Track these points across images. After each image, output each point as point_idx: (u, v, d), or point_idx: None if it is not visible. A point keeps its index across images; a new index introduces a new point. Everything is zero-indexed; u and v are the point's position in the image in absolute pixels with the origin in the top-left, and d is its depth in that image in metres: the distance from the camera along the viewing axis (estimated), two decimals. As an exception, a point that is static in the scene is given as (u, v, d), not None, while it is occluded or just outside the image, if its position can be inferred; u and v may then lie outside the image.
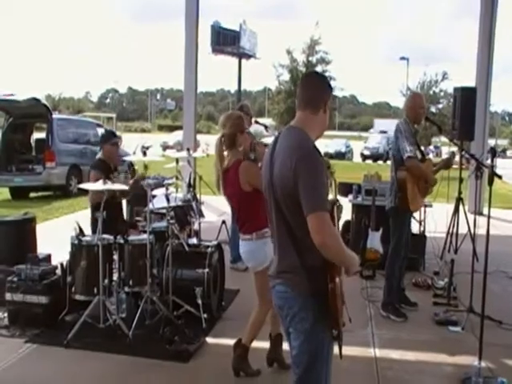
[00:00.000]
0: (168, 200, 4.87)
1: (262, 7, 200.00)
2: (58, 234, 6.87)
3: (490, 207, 3.73)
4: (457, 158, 5.75)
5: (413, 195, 4.67)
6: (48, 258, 5.03)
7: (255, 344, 3.79)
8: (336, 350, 2.36)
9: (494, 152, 3.60)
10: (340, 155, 32.64)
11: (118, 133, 19.45)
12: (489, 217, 3.73)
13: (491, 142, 17.94)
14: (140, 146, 5.44)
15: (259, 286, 3.67)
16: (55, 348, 4.09)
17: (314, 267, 2.24)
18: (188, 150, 5.58)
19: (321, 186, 2.17)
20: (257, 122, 6.44)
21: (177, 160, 5.51)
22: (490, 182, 3.67)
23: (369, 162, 31.43)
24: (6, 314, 4.52)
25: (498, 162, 18.75)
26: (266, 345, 3.90)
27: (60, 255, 5.06)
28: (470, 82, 12.04)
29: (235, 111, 4.10)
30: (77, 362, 3.96)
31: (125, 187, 4.69)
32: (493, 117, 16.88)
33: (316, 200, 2.14)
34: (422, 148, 5.08)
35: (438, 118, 21.38)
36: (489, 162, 5.39)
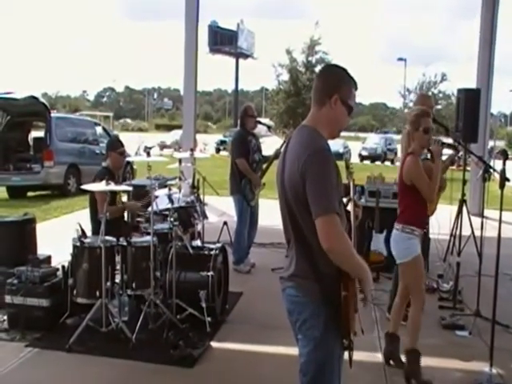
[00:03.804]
0: (171, 201, 4.80)
1: (260, 7, 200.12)
2: (57, 234, 6.80)
3: (501, 210, 3.68)
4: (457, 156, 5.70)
5: None
6: (48, 259, 4.94)
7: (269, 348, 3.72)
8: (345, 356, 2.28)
9: (506, 154, 3.54)
10: (338, 156, 32.55)
11: (115, 132, 19.10)
12: (500, 220, 3.69)
13: (490, 143, 17.93)
14: (143, 146, 5.35)
15: (406, 280, 3.79)
16: (57, 352, 4.00)
17: (327, 274, 2.16)
18: (191, 150, 5.51)
19: (329, 188, 2.08)
20: (259, 123, 6.40)
21: (180, 160, 5.43)
22: (502, 186, 3.62)
23: (367, 162, 31.37)
24: (5, 317, 4.42)
25: (497, 163, 18.69)
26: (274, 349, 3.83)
27: (60, 256, 4.98)
28: (469, 82, 12.03)
29: (417, 108, 3.98)
30: (79, 366, 3.88)
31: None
32: (491, 118, 16.85)
33: (324, 202, 2.06)
34: None
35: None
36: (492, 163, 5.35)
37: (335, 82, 2.28)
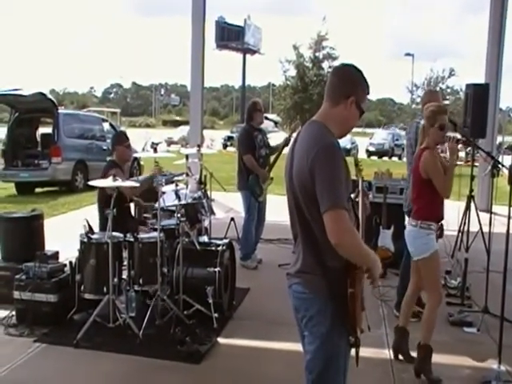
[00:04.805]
0: (178, 196, 4.80)
1: (267, 2, 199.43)
2: (64, 230, 6.83)
3: (510, 206, 3.65)
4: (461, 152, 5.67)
5: None
6: (56, 255, 4.96)
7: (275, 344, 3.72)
8: (352, 353, 2.28)
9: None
10: (345, 152, 32.41)
11: (122, 128, 18.98)
12: (509, 216, 3.67)
13: (498, 138, 17.82)
14: (150, 142, 5.35)
15: (423, 276, 3.76)
16: (64, 348, 4.02)
17: (334, 269, 2.15)
18: (198, 146, 5.51)
19: (338, 183, 2.07)
20: (266, 118, 6.39)
21: (186, 156, 5.43)
22: (511, 181, 3.59)
23: (374, 158, 31.25)
24: (14, 313, 4.45)
25: (506, 159, 18.60)
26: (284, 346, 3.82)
27: (67, 252, 5.01)
28: (477, 78, 11.94)
29: (434, 104, 3.82)
30: (86, 362, 3.89)
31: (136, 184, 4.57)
32: (500, 114, 16.72)
33: (332, 198, 2.05)
34: None
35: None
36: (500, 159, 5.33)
37: (354, 84, 2.27)
